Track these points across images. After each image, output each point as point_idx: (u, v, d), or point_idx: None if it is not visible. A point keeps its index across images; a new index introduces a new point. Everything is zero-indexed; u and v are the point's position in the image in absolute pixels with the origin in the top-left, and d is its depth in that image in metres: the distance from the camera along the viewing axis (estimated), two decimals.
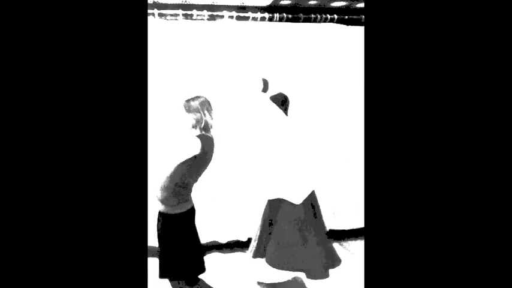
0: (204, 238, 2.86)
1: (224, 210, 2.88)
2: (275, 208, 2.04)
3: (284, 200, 1.97)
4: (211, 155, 1.86)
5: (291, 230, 1.93)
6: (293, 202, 1.90)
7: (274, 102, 2.11)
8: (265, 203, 2.18)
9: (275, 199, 2.03)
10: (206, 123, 1.81)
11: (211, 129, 1.86)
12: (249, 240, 2.96)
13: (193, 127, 1.81)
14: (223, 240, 2.92)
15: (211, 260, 2.80)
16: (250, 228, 2.93)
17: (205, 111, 1.81)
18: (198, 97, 1.84)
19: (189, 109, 1.81)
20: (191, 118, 1.80)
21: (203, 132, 1.81)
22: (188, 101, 1.83)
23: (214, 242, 2.92)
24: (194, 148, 1.71)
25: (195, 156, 1.73)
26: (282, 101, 2.14)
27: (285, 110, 2.16)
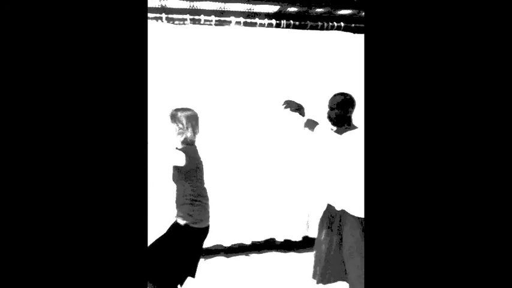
0: (208, 241, 2.90)
1: (228, 213, 2.90)
2: (338, 222, 1.86)
3: (346, 213, 1.80)
4: (199, 163, 1.84)
5: (355, 244, 1.76)
6: (358, 215, 1.74)
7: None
8: (317, 216, 2.00)
9: (337, 212, 1.86)
10: (186, 138, 1.79)
11: (193, 143, 1.83)
12: (253, 244, 3.00)
13: (175, 135, 1.81)
14: (227, 243, 2.95)
15: (215, 263, 2.83)
16: (254, 231, 2.97)
17: (189, 126, 1.79)
18: (187, 109, 1.82)
19: (174, 118, 1.79)
20: (174, 128, 1.80)
21: (184, 145, 1.80)
22: (176, 110, 1.81)
23: (219, 245, 2.94)
24: (178, 160, 1.70)
25: (178, 168, 1.73)
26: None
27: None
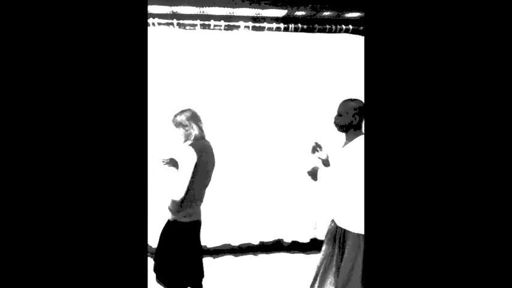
0: (216, 241, 2.97)
1: (237, 213, 2.95)
2: (341, 238, 1.83)
3: (349, 230, 1.78)
4: (212, 161, 1.88)
5: (355, 261, 1.75)
6: (360, 232, 1.72)
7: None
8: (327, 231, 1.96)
9: (340, 229, 1.83)
10: (195, 136, 1.83)
11: (204, 138, 1.88)
12: (261, 244, 3.04)
13: (184, 141, 1.85)
14: (235, 243, 3.00)
15: (223, 263, 2.89)
16: (262, 232, 3.01)
17: (193, 124, 1.83)
18: (184, 111, 1.87)
19: (176, 124, 1.85)
20: (180, 132, 1.85)
21: (194, 141, 1.82)
22: (175, 116, 1.86)
23: (227, 245, 2.99)
24: (191, 158, 1.74)
25: (196, 165, 1.75)
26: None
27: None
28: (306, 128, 2.94)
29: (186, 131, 1.84)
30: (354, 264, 1.72)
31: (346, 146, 1.82)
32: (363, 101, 1.82)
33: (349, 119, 1.80)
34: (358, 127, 1.83)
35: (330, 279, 1.84)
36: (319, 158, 1.97)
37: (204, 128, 1.90)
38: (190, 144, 1.78)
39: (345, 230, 1.78)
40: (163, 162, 1.96)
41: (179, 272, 1.83)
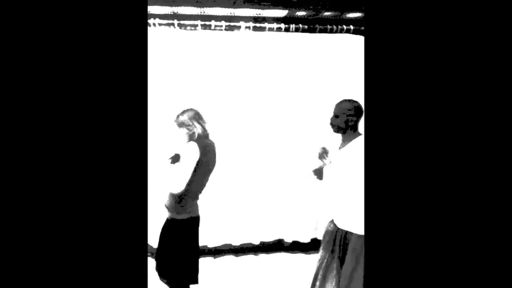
0: (217, 241, 2.97)
1: (237, 213, 2.96)
2: (342, 240, 1.81)
3: (350, 231, 1.75)
4: (213, 161, 1.89)
5: (356, 263, 1.72)
6: (361, 233, 1.69)
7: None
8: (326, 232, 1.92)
9: (341, 231, 1.81)
10: (199, 135, 1.84)
11: (208, 137, 1.89)
12: (262, 244, 3.04)
13: (188, 141, 1.86)
14: (236, 243, 3.00)
15: (223, 263, 2.89)
16: (263, 232, 3.02)
17: (196, 124, 1.84)
18: (187, 111, 1.88)
19: (179, 124, 1.86)
20: (183, 132, 1.86)
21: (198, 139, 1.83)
22: (178, 116, 1.87)
23: (228, 245, 3.00)
24: (194, 154, 1.75)
25: (198, 162, 1.76)
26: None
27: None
28: (306, 128, 2.94)
29: (190, 130, 1.84)
30: (356, 266, 1.71)
31: (345, 147, 1.81)
32: (362, 101, 1.81)
33: (345, 120, 1.79)
34: (355, 128, 1.83)
35: (330, 281, 1.84)
36: (324, 163, 1.97)
37: (207, 127, 1.90)
38: (194, 141, 1.79)
39: (346, 232, 1.77)
40: (169, 159, 1.97)
41: (181, 270, 1.83)
